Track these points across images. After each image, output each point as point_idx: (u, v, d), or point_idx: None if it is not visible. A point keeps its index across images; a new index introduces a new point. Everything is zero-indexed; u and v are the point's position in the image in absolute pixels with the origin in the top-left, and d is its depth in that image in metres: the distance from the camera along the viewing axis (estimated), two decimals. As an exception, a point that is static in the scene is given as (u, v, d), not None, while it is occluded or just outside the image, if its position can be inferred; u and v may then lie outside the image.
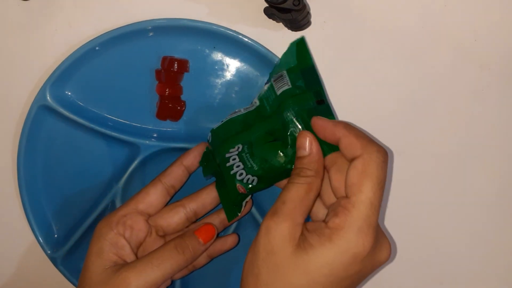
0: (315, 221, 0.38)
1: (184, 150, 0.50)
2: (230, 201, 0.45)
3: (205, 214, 0.48)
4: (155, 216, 0.47)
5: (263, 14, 0.48)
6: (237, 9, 0.50)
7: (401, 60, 0.51)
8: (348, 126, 0.39)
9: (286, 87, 0.42)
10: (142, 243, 0.46)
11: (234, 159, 0.43)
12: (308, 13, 0.49)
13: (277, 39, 0.50)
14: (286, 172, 0.41)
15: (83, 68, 0.50)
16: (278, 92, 0.42)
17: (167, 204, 0.47)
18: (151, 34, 0.49)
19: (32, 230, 0.51)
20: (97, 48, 0.49)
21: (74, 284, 0.51)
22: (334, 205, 0.38)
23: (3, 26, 0.51)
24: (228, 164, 0.43)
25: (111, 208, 0.52)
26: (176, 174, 0.47)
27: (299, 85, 0.42)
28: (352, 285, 0.38)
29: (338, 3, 0.50)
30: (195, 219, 0.48)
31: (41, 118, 0.50)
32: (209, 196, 0.47)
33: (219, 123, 0.46)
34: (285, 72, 0.43)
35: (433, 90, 0.52)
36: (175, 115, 0.50)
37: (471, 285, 0.54)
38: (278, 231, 0.37)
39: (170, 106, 0.50)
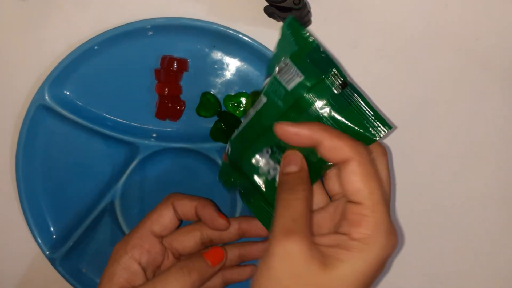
0: (328, 234, 0.36)
1: (184, 150, 0.50)
2: (270, 207, 0.41)
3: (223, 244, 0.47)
4: (170, 238, 0.46)
5: (263, 13, 0.48)
6: (237, 8, 0.50)
7: (402, 59, 0.51)
8: (326, 127, 0.36)
9: (298, 79, 0.36)
10: (159, 267, 0.45)
11: (266, 164, 0.40)
12: (309, 12, 0.48)
13: (277, 38, 0.50)
14: (321, 167, 0.38)
15: (82, 67, 0.49)
16: (290, 87, 0.37)
17: (181, 225, 0.47)
18: (150, 33, 0.49)
19: (31, 230, 0.51)
20: (96, 47, 0.48)
21: (72, 285, 0.51)
22: (345, 214, 0.36)
23: (2, 25, 0.51)
24: (261, 171, 0.40)
25: (110, 208, 0.51)
26: (186, 210, 0.45)
27: (312, 72, 0.36)
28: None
29: (339, 2, 0.50)
30: (210, 245, 0.47)
31: (40, 117, 0.50)
32: (189, 207, 0.45)
33: (236, 132, 0.42)
34: (289, 60, 0.37)
35: (433, 90, 0.51)
36: (175, 114, 0.50)
37: (471, 285, 0.54)
38: (301, 252, 0.33)
39: (169, 105, 0.50)
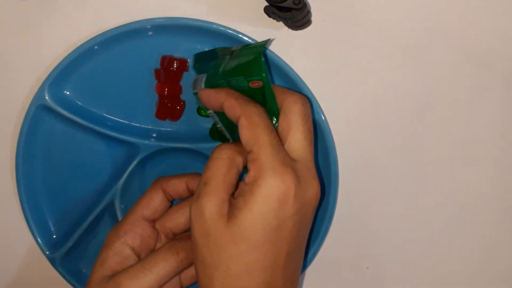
0: (238, 184, 0.39)
1: (184, 150, 0.50)
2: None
3: None
4: (162, 219, 0.46)
5: (263, 13, 0.48)
6: (237, 8, 0.50)
7: (402, 59, 0.51)
8: (229, 91, 0.41)
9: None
10: (152, 250, 0.46)
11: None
12: (309, 12, 0.48)
13: (277, 38, 0.50)
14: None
15: (82, 67, 0.49)
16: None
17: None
18: (150, 33, 0.49)
19: (31, 230, 0.51)
20: (96, 47, 0.48)
21: (72, 285, 0.51)
22: (247, 162, 0.39)
23: (2, 25, 0.51)
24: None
25: (110, 208, 0.51)
26: (177, 187, 0.46)
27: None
28: (296, 229, 0.38)
29: (339, 2, 0.50)
30: (173, 199, 0.47)
31: (40, 118, 0.50)
32: (180, 186, 0.47)
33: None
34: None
35: (434, 90, 0.51)
36: (175, 114, 0.50)
37: (471, 285, 0.54)
38: (206, 212, 0.37)
39: (169, 105, 0.50)
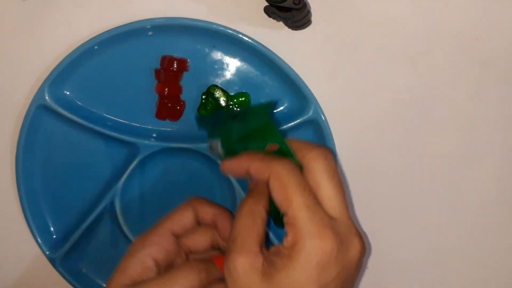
0: (276, 245, 0.38)
1: (184, 150, 0.50)
2: None
3: None
4: (184, 236, 0.46)
5: (263, 13, 0.48)
6: (237, 8, 0.50)
7: (402, 59, 0.51)
8: (251, 154, 0.40)
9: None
10: (171, 264, 0.45)
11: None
12: (309, 12, 0.48)
13: (277, 38, 0.50)
14: None
15: (82, 67, 0.49)
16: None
17: None
18: (150, 33, 0.49)
19: (31, 230, 0.51)
20: (96, 47, 0.48)
21: (72, 285, 0.51)
22: (284, 224, 0.38)
23: (2, 25, 0.51)
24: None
25: (110, 208, 0.51)
26: (206, 215, 0.46)
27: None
28: None
29: (339, 2, 0.50)
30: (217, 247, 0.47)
31: (40, 118, 0.50)
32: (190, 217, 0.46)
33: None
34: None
35: (433, 90, 0.52)
36: (175, 114, 0.50)
37: (471, 285, 0.54)
38: (239, 267, 0.37)
39: (169, 105, 0.50)
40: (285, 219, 0.37)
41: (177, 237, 0.45)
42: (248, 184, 0.41)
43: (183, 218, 0.45)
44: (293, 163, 0.38)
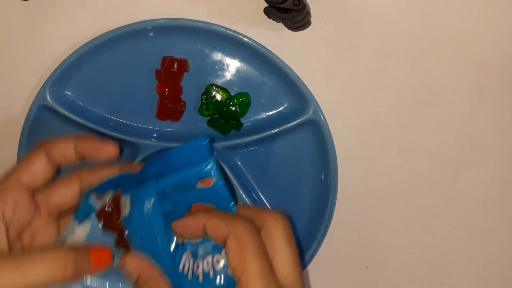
0: None
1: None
2: None
3: None
4: (46, 192, 0.39)
5: (263, 14, 0.48)
6: (237, 9, 0.50)
7: (401, 60, 0.51)
8: (208, 211, 0.35)
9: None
10: (27, 226, 0.38)
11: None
12: (308, 13, 0.49)
13: (277, 39, 0.50)
14: None
15: (83, 68, 0.50)
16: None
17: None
18: (151, 34, 0.49)
19: (32, 230, 0.51)
20: (97, 48, 0.49)
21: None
22: None
23: (3, 26, 0.51)
24: None
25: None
26: (63, 150, 0.39)
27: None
28: None
29: (338, 3, 0.50)
30: (60, 166, 0.40)
31: (41, 118, 0.50)
32: (68, 149, 0.39)
33: None
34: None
35: (432, 90, 0.52)
36: (175, 115, 0.51)
37: (471, 285, 0.54)
38: None
39: (170, 106, 0.50)
40: (237, 285, 0.34)
41: (32, 191, 0.38)
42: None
43: (32, 165, 0.38)
44: (254, 224, 0.35)
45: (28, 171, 0.38)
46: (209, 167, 0.35)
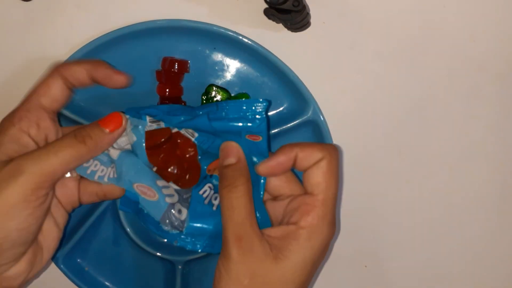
0: (279, 226, 0.39)
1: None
2: None
3: None
4: (37, 90, 0.41)
5: (263, 15, 0.48)
6: (238, 10, 0.50)
7: (400, 61, 0.51)
8: (293, 144, 0.40)
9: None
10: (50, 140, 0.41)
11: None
12: (308, 14, 0.49)
13: (277, 40, 0.50)
14: None
15: (84, 68, 0.50)
16: None
17: None
18: (151, 35, 0.49)
19: (34, 229, 0.51)
20: (98, 49, 0.49)
21: (75, 284, 0.51)
22: (297, 204, 0.39)
23: (4, 27, 0.52)
24: None
25: (112, 207, 0.52)
26: (77, 74, 0.41)
27: None
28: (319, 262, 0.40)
29: (338, 4, 0.51)
30: (76, 88, 0.43)
31: (42, 118, 0.50)
32: (81, 74, 0.42)
33: None
34: None
35: (431, 91, 0.52)
36: (176, 115, 0.51)
37: (471, 285, 0.54)
38: (253, 252, 0.37)
39: (170, 106, 0.50)
40: (308, 199, 0.38)
41: (52, 112, 0.41)
42: (221, 172, 0.40)
43: (50, 89, 0.41)
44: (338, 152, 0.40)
45: (46, 94, 0.41)
46: (262, 126, 0.42)
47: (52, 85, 0.41)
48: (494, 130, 0.52)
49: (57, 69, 0.41)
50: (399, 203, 0.53)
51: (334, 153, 0.39)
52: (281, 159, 0.40)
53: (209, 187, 0.43)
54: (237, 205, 0.38)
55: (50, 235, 0.42)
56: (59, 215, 0.43)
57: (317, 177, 0.38)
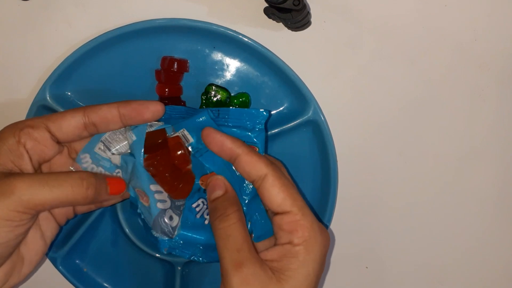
0: (272, 248, 0.39)
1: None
2: None
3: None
4: (54, 118, 0.41)
5: (263, 14, 0.48)
6: (237, 9, 0.50)
7: (401, 60, 0.51)
8: (245, 145, 0.40)
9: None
10: (47, 160, 0.42)
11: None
12: (308, 13, 0.49)
13: (277, 39, 0.50)
14: None
15: (83, 68, 0.50)
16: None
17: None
18: (151, 34, 0.49)
19: (32, 230, 0.51)
20: (97, 48, 0.49)
21: (74, 285, 0.51)
22: (277, 226, 0.39)
23: (3, 26, 0.51)
24: None
25: (111, 208, 0.52)
26: (104, 114, 0.41)
27: None
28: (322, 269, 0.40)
29: (338, 3, 0.50)
30: (95, 132, 0.43)
31: (41, 118, 0.50)
32: (110, 113, 0.41)
33: None
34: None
35: (432, 90, 0.52)
36: (175, 115, 0.51)
37: (471, 285, 0.54)
38: (256, 278, 0.37)
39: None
40: (287, 217, 0.38)
41: (55, 138, 0.41)
42: (210, 207, 0.41)
43: (62, 120, 0.41)
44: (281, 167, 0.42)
45: (56, 121, 0.41)
46: (259, 137, 0.43)
47: (67, 117, 0.41)
48: (495, 129, 0.52)
49: (83, 108, 0.42)
50: (400, 203, 0.53)
51: (278, 169, 0.40)
52: (227, 143, 0.40)
53: (202, 201, 0.43)
54: (232, 233, 0.38)
55: (34, 248, 0.41)
56: (48, 229, 0.43)
57: (278, 195, 0.38)
